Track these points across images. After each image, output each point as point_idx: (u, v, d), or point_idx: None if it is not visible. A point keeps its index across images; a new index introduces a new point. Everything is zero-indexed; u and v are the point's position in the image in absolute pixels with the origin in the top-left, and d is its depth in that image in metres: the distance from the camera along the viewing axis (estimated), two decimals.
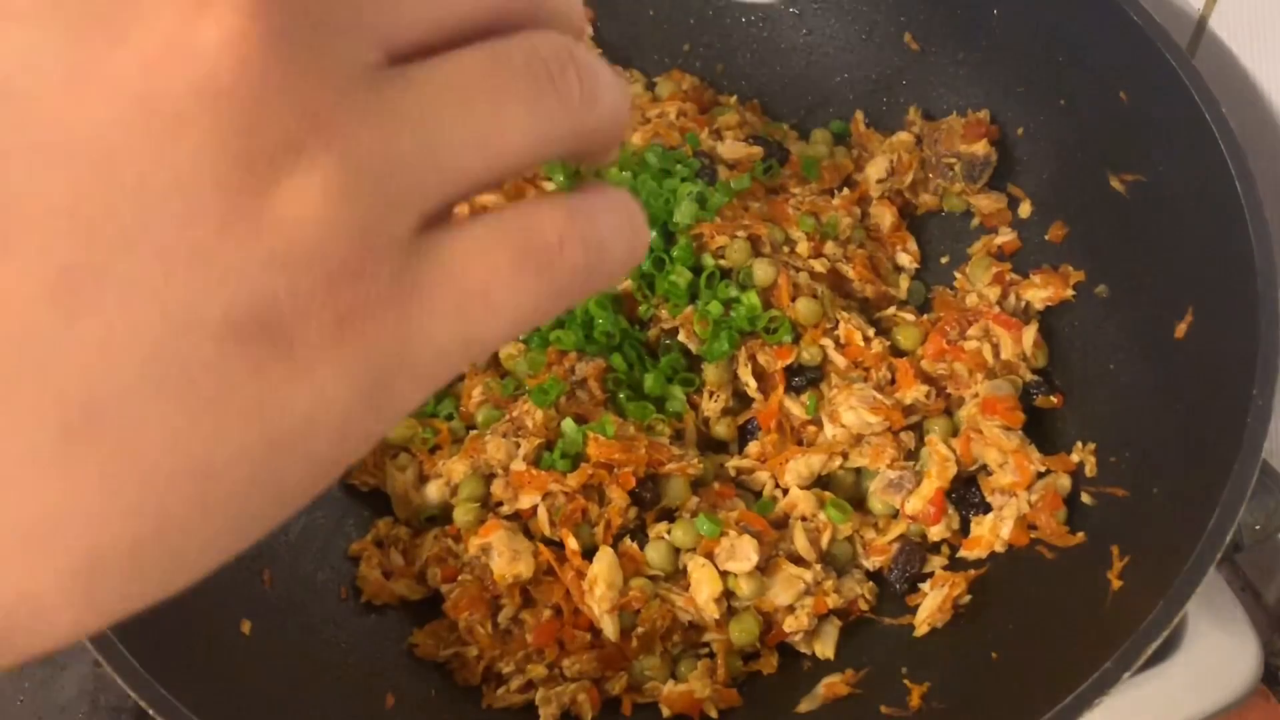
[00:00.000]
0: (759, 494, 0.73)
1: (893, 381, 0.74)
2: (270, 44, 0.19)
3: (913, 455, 0.73)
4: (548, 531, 0.68)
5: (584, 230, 0.22)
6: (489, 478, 0.71)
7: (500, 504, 0.70)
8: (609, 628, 0.66)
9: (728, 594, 0.67)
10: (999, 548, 0.69)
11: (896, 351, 0.76)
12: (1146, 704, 0.67)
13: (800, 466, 0.71)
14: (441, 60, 0.21)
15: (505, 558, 0.67)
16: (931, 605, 0.67)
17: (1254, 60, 0.72)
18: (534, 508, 0.68)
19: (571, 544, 0.67)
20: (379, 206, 0.20)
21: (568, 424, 0.71)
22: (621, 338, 0.75)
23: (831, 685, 0.66)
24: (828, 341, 0.74)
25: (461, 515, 0.69)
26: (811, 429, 0.73)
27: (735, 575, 0.67)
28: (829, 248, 0.78)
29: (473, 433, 0.73)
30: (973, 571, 0.68)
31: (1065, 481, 0.70)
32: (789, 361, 0.74)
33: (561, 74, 0.22)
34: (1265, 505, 0.63)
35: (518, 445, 0.71)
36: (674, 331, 0.75)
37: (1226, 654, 0.69)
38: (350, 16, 0.20)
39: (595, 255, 0.22)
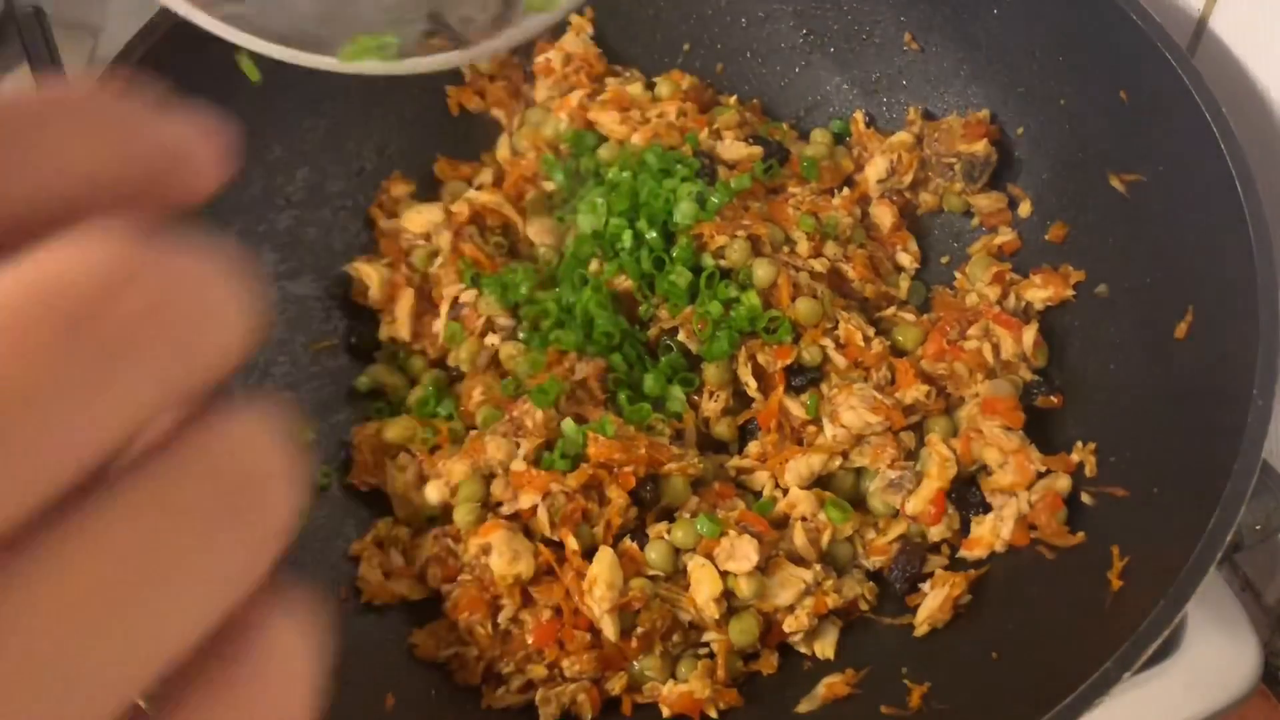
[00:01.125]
0: (759, 494, 0.72)
1: (893, 381, 0.74)
2: None
3: (913, 455, 0.72)
4: (548, 531, 0.68)
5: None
6: (489, 478, 0.71)
7: (500, 504, 0.70)
8: (609, 628, 0.66)
9: (728, 594, 0.67)
10: (999, 548, 0.69)
11: (896, 351, 0.76)
12: (1146, 704, 0.67)
13: (800, 466, 0.71)
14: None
15: (505, 558, 0.66)
16: (931, 605, 0.67)
17: (1254, 60, 0.72)
18: (534, 508, 0.68)
19: (571, 544, 0.67)
20: None
21: (568, 424, 0.71)
22: (621, 338, 0.75)
23: (831, 685, 0.66)
24: (828, 341, 0.74)
25: (461, 515, 0.69)
26: (811, 429, 0.73)
27: (735, 575, 0.67)
28: (829, 248, 0.78)
29: (473, 433, 0.73)
30: (973, 571, 0.68)
31: (1065, 481, 0.70)
32: (789, 361, 0.74)
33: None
34: (1265, 505, 0.63)
35: (518, 445, 0.70)
36: (674, 331, 0.75)
37: (1226, 654, 0.69)
38: None
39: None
